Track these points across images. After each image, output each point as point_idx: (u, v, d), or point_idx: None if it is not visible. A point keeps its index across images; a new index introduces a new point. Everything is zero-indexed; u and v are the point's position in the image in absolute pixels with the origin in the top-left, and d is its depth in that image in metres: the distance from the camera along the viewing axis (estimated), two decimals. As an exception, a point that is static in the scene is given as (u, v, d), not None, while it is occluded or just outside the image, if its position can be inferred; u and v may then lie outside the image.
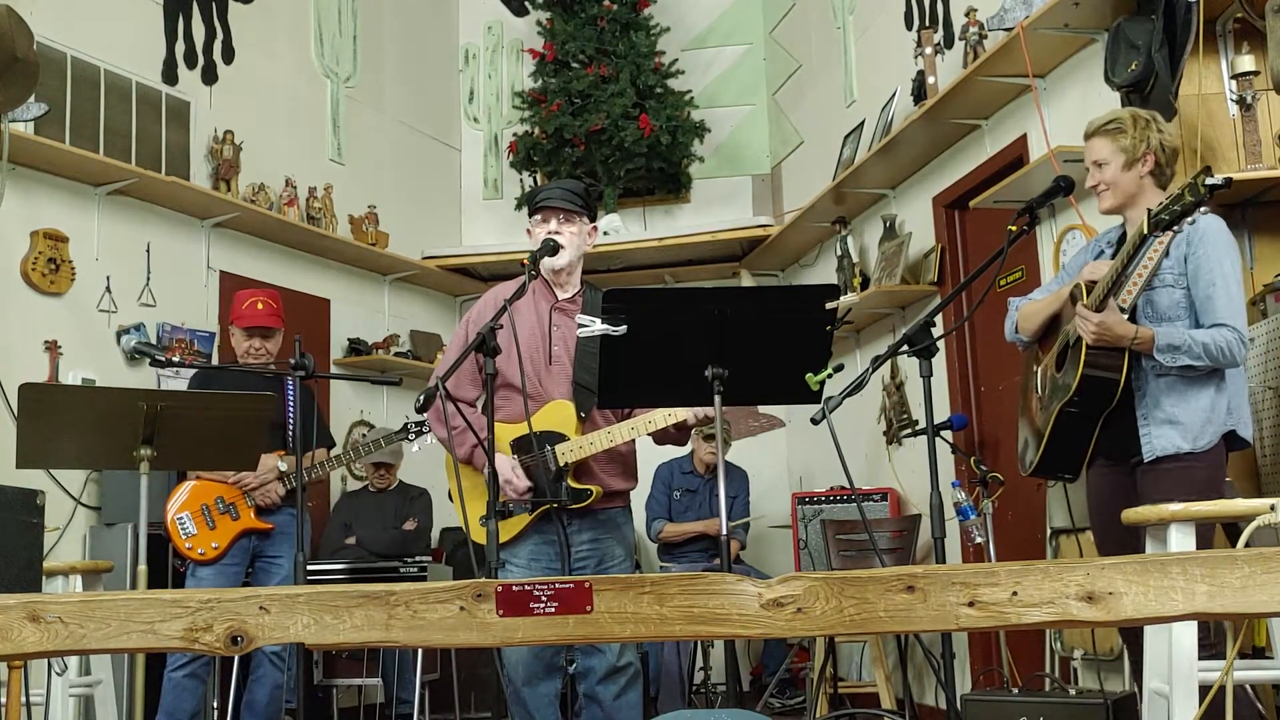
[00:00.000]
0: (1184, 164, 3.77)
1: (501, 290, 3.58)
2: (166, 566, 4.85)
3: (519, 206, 7.52)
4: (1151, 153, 3.11)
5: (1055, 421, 3.12)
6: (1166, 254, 3.02)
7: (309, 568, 4.20)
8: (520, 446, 3.40)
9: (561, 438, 3.41)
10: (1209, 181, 2.65)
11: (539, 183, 7.56)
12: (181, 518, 4.48)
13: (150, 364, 4.38)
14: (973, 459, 4.85)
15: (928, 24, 5.47)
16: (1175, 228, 2.77)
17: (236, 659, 4.73)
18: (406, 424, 4.92)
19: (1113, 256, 3.15)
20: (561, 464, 3.38)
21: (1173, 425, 3.00)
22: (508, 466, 3.37)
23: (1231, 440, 3.04)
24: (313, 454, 4.62)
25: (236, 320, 4.68)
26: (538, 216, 3.53)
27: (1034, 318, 3.31)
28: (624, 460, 3.55)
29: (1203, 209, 2.70)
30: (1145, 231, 2.83)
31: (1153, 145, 3.11)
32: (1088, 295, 3.04)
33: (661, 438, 3.50)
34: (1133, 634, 3.14)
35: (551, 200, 3.51)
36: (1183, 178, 3.26)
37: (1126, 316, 2.99)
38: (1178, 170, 3.26)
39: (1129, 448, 3.08)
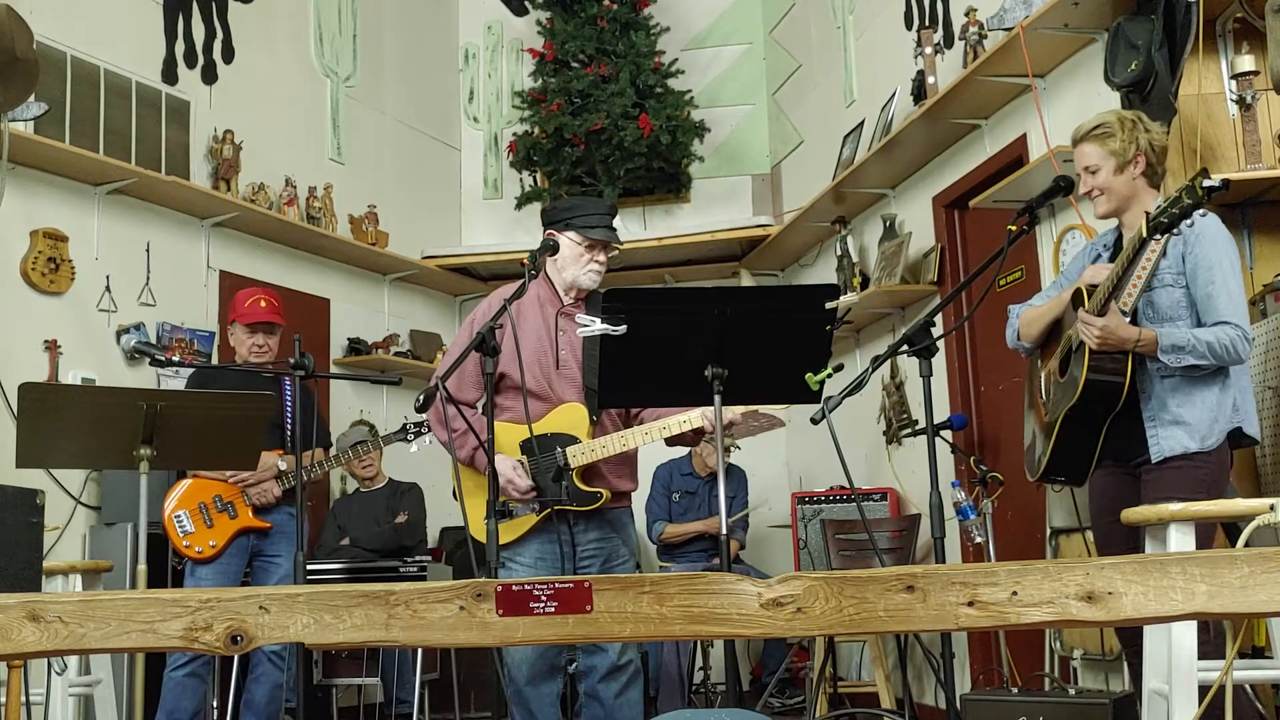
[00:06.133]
0: (1183, 164, 3.78)
1: (506, 291, 3.58)
2: (166, 566, 4.85)
3: (519, 206, 7.52)
4: (1142, 154, 3.09)
5: (1060, 427, 3.10)
6: (1164, 254, 3.01)
7: (308, 567, 4.19)
8: (529, 447, 3.40)
9: (573, 440, 3.41)
10: (1206, 184, 2.66)
11: (539, 183, 7.56)
12: (179, 516, 4.46)
13: (150, 363, 4.37)
14: (972, 459, 4.85)
15: (927, 24, 5.47)
16: (1174, 230, 2.77)
17: (236, 658, 4.73)
18: (405, 424, 4.92)
19: (1111, 259, 3.14)
20: (570, 465, 3.38)
21: (1180, 426, 2.98)
22: (508, 466, 3.37)
23: (1238, 438, 3.02)
24: (312, 453, 4.62)
25: (239, 318, 4.67)
26: (575, 235, 3.50)
27: (1035, 324, 3.29)
28: (630, 463, 3.58)
29: (1201, 211, 2.71)
30: (1144, 235, 2.83)
31: (1142, 146, 3.09)
32: (1089, 300, 3.03)
33: (675, 439, 3.50)
34: (1129, 635, 3.13)
35: (611, 239, 3.53)
36: (1181, 177, 3.27)
37: (1128, 319, 2.99)
38: (1176, 169, 3.26)
39: (1135, 450, 3.06)
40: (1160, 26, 3.81)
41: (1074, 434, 3.11)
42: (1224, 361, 2.95)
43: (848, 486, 4.86)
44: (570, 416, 3.44)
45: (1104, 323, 2.95)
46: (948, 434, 5.06)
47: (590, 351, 3.47)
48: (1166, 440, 2.99)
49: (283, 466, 4.56)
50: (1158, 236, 2.82)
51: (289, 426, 4.59)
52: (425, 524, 6.08)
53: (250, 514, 4.55)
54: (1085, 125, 3.17)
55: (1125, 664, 3.77)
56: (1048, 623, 1.47)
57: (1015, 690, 3.87)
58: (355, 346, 6.68)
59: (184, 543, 4.45)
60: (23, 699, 3.09)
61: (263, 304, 4.68)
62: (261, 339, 4.65)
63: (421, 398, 3.01)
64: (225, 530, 4.50)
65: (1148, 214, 2.83)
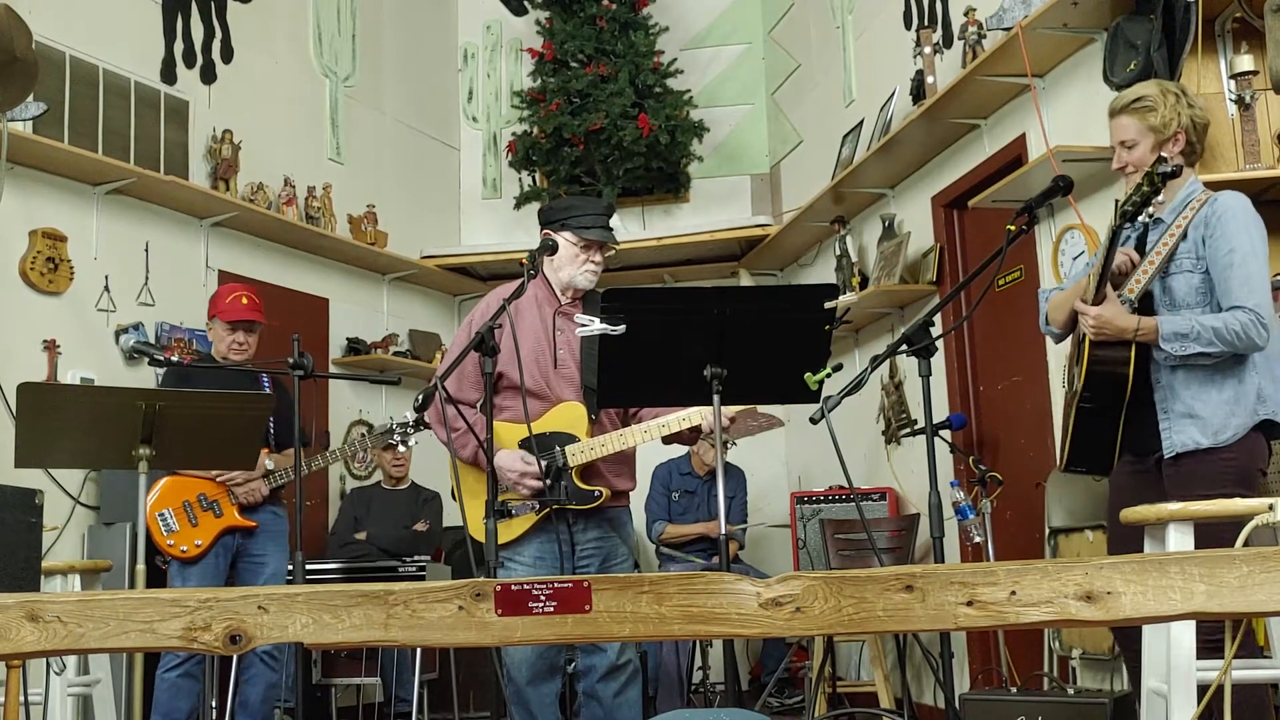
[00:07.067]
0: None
1: (504, 291, 3.58)
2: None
3: (518, 206, 7.52)
4: (1183, 131, 2.97)
5: (1075, 417, 3.03)
6: (1184, 237, 2.92)
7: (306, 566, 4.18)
8: (528, 447, 3.40)
9: (573, 439, 3.41)
10: (1160, 170, 2.70)
11: (538, 182, 7.56)
12: (164, 514, 4.41)
13: (149, 363, 4.36)
14: (971, 458, 4.85)
15: (926, 23, 5.47)
16: (1139, 217, 2.77)
17: (235, 658, 4.72)
18: (392, 426, 4.88)
19: (1140, 240, 3.05)
20: (570, 464, 3.38)
21: (1192, 419, 2.87)
22: (515, 458, 3.36)
23: (1271, 429, 2.88)
24: (306, 451, 4.60)
25: (220, 314, 4.62)
26: (572, 236, 3.50)
27: (1061, 308, 3.16)
28: (629, 462, 3.58)
29: (1160, 198, 2.74)
30: (1114, 224, 2.80)
31: (1184, 123, 2.96)
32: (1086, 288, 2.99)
33: (672, 437, 3.50)
34: (1124, 634, 3.09)
35: (607, 239, 3.52)
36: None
37: (1135, 306, 2.91)
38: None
39: (1152, 443, 2.95)
40: (1159, 26, 3.82)
41: (1090, 424, 3.02)
42: (1235, 348, 2.82)
43: (847, 486, 4.86)
44: (569, 415, 3.43)
45: (1098, 312, 2.89)
46: (947, 434, 5.06)
47: (588, 351, 3.46)
48: (1178, 434, 2.89)
49: (269, 465, 4.53)
50: (1129, 225, 2.81)
51: (271, 425, 4.56)
52: (440, 535, 6.08)
53: (236, 513, 4.51)
54: (1126, 95, 3.04)
55: (1125, 665, 3.77)
56: (1046, 622, 1.47)
57: (1014, 690, 3.87)
58: (354, 346, 6.68)
59: (168, 541, 4.40)
60: (21, 699, 3.08)
61: (244, 301, 4.62)
62: (242, 336, 4.61)
63: (420, 398, 3.01)
64: (210, 529, 4.46)
65: (1117, 201, 2.80)
